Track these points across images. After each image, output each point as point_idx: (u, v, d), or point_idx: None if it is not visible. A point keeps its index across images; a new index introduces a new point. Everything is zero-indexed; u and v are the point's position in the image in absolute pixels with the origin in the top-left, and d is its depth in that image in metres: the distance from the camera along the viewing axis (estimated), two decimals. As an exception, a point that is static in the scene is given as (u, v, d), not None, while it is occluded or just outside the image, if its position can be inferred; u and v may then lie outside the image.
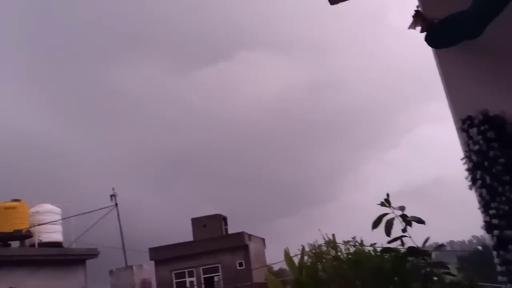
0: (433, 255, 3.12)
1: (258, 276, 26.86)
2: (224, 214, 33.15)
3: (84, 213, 16.44)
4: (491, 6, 2.26)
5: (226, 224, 33.01)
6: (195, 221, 31.79)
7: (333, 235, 4.67)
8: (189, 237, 31.16)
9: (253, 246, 29.85)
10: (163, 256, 28.62)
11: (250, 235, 30.02)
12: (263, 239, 33.34)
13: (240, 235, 29.40)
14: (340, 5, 3.45)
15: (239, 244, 28.95)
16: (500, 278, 2.44)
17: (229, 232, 32.13)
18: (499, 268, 2.47)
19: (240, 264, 28.67)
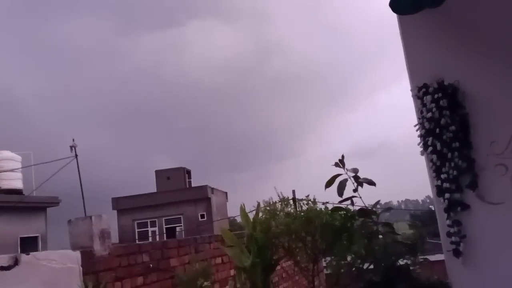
0: (386, 214, 3.21)
1: (219, 228, 27.35)
2: (188, 168, 33.14)
3: (44, 162, 15.95)
4: None
5: (189, 177, 33.02)
6: (159, 173, 31.61)
7: (293, 191, 4.70)
8: (153, 189, 31.09)
9: (215, 199, 30.16)
10: (126, 206, 28.51)
11: (213, 189, 30.23)
12: (226, 193, 33.69)
13: (203, 188, 29.53)
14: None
15: (202, 196, 29.16)
16: (451, 239, 2.52)
17: (193, 185, 32.24)
18: (450, 230, 2.56)
19: (202, 216, 28.99)
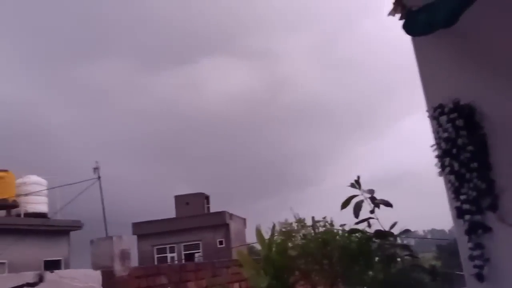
0: (410, 242, 3.13)
1: (237, 252, 27.03)
2: (208, 193, 33.16)
3: (68, 184, 16.25)
4: None
5: (208, 202, 33.00)
6: (178, 199, 31.70)
7: (313, 218, 4.65)
8: (172, 214, 31.13)
9: (233, 225, 29.95)
10: (146, 231, 28.55)
11: (231, 215, 30.09)
12: (244, 219, 33.47)
13: (221, 214, 29.43)
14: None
15: (220, 222, 29.01)
16: (474, 262, 2.42)
17: (211, 211, 32.17)
18: (472, 253, 2.46)
19: (221, 242, 28.76)
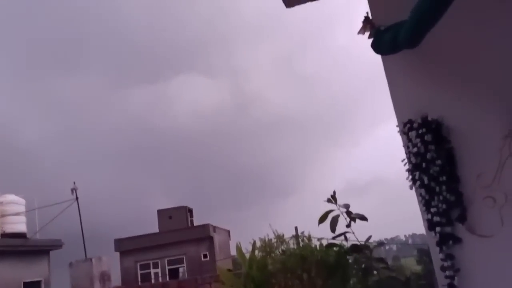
0: (392, 248, 3.18)
1: (220, 268, 26.81)
2: (190, 206, 32.87)
3: (46, 206, 15.94)
4: (425, 19, 2.28)
5: (191, 216, 32.70)
6: (161, 213, 31.33)
7: (296, 228, 4.67)
8: (155, 229, 30.74)
9: (218, 238, 29.73)
10: (128, 247, 28.09)
11: (215, 227, 29.86)
12: (228, 231, 33.26)
13: (205, 227, 29.17)
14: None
15: (204, 235, 28.75)
16: (446, 273, 2.47)
17: (195, 224, 31.88)
18: (443, 264, 2.52)
19: (205, 256, 28.47)
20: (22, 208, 17.79)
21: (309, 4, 3.42)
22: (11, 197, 17.70)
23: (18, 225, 17.51)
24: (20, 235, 17.40)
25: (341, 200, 3.04)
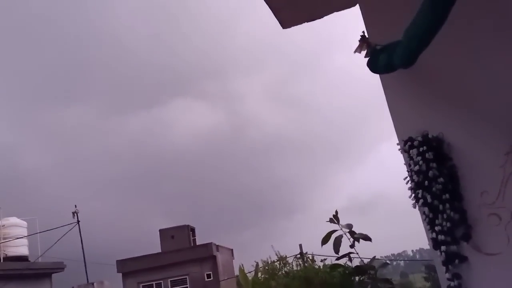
0: (400, 264, 3.12)
1: (226, 287, 26.47)
2: (192, 226, 32.59)
3: (49, 229, 15.88)
4: (418, 39, 2.28)
5: (194, 235, 32.38)
6: (163, 232, 31.04)
7: (300, 246, 4.61)
8: (157, 249, 30.43)
9: (221, 257, 29.40)
10: (131, 268, 27.75)
11: (218, 246, 29.55)
12: (231, 250, 32.93)
13: (208, 246, 28.86)
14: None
15: (207, 255, 28.43)
16: None
17: (197, 243, 31.57)
18: (450, 283, 2.46)
19: (208, 276, 28.11)
20: (24, 231, 17.73)
21: (305, 26, 3.44)
22: (13, 220, 17.65)
23: (20, 248, 17.41)
24: (22, 258, 17.29)
25: (346, 218, 2.99)
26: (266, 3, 2.93)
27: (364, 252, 3.01)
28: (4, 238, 17.02)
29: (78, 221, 15.01)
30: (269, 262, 3.58)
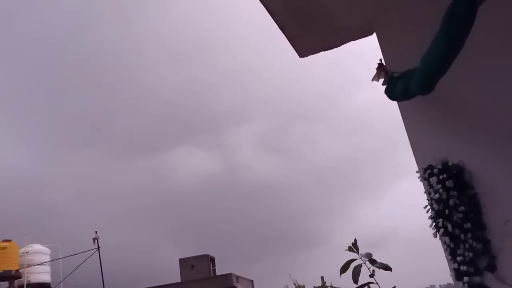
0: None
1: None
2: (212, 255, 32.26)
3: (70, 255, 16.01)
4: (434, 67, 2.27)
5: (214, 265, 31.96)
6: (183, 262, 30.76)
7: (322, 278, 4.50)
8: (177, 278, 30.13)
9: (240, 288, 28.88)
10: (151, 297, 27.50)
11: (238, 277, 29.07)
12: (252, 281, 32.32)
13: (228, 276, 28.41)
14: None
15: (227, 285, 27.98)
16: None
17: (217, 273, 31.14)
18: None
19: (228, 307, 27.57)
20: (47, 258, 17.90)
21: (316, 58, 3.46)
22: (37, 246, 17.89)
23: (43, 275, 17.56)
24: (45, 285, 17.38)
25: (368, 250, 2.91)
26: (281, 31, 2.99)
27: (386, 285, 2.91)
28: (28, 265, 17.20)
29: (99, 247, 15.10)
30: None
